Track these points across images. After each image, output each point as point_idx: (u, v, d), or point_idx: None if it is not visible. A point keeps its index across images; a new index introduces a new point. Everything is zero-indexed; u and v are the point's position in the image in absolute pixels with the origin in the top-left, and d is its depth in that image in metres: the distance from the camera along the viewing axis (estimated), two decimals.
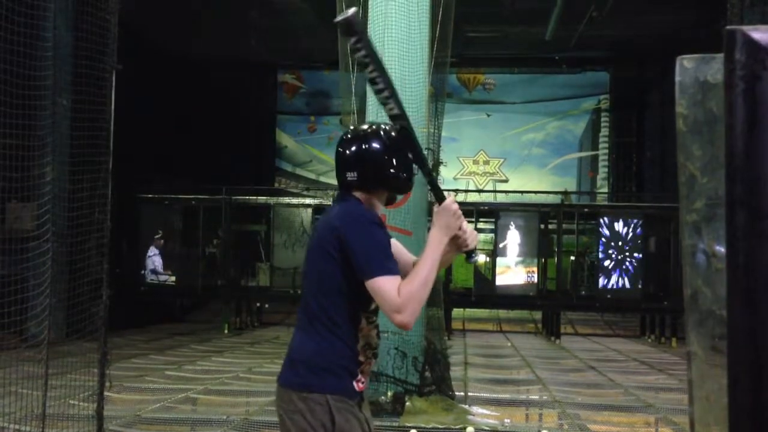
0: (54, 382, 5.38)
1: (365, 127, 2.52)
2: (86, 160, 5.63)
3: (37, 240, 5.41)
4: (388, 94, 2.32)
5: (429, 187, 2.50)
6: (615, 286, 14.29)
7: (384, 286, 2.23)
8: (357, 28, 2.20)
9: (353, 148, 2.44)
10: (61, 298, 6.09)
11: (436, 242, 2.33)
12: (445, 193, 2.50)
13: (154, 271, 14.65)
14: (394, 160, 2.41)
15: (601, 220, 14.48)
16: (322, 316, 2.35)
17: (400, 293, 2.21)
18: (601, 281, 14.34)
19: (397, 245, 2.53)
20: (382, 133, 2.44)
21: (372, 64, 2.26)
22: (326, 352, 2.34)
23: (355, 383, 2.37)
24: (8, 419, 5.30)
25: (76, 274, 5.81)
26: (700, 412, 1.24)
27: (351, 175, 2.42)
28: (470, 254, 2.45)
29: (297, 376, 2.36)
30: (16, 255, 6.77)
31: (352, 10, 2.22)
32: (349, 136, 2.51)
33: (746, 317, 0.94)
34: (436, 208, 2.40)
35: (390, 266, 2.28)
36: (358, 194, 2.43)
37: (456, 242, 2.39)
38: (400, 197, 2.55)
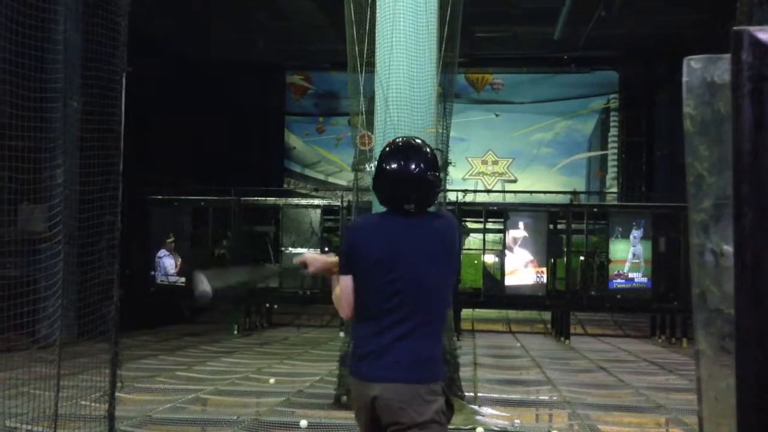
0: (65, 382, 5.41)
1: (428, 149, 2.69)
2: (97, 162, 5.66)
3: (49, 242, 5.43)
4: None
5: None
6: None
7: None
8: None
9: (436, 173, 2.67)
10: (73, 299, 6.12)
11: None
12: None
13: (166, 273, 14.73)
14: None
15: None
16: (439, 319, 2.73)
17: None
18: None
19: None
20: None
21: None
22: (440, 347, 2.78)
23: None
24: (20, 420, 5.34)
25: (87, 275, 5.83)
26: (708, 411, 1.25)
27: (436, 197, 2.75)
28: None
29: (429, 370, 2.64)
30: (28, 256, 6.80)
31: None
32: (422, 165, 2.63)
33: (754, 316, 0.95)
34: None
35: None
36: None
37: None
38: None
